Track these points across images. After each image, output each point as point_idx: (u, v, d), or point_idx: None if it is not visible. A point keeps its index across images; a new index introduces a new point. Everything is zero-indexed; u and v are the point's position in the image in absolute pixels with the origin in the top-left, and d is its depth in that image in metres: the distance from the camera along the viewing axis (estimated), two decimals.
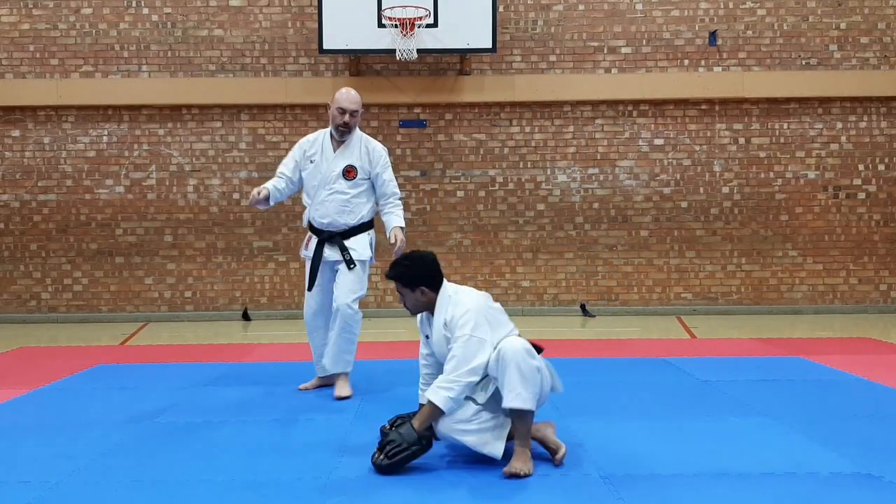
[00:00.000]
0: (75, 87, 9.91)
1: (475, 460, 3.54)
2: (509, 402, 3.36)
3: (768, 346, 7.02)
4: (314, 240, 4.90)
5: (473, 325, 3.44)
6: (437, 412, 3.40)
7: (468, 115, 10.14)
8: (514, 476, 3.31)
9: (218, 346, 7.66)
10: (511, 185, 10.12)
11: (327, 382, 5.06)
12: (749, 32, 10.07)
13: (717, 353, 6.66)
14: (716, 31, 10.02)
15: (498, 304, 3.68)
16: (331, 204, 4.85)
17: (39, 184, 10.07)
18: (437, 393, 3.40)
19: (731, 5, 10.05)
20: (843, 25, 10.05)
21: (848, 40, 10.05)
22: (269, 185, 4.94)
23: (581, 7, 10.06)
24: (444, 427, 3.44)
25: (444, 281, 3.68)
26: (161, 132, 10.08)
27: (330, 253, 4.86)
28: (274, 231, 10.11)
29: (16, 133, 10.06)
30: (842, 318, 9.64)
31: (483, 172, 10.15)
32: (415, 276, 3.65)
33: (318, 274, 4.88)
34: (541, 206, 10.10)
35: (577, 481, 3.26)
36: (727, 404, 4.58)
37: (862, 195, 10.14)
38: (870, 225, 10.16)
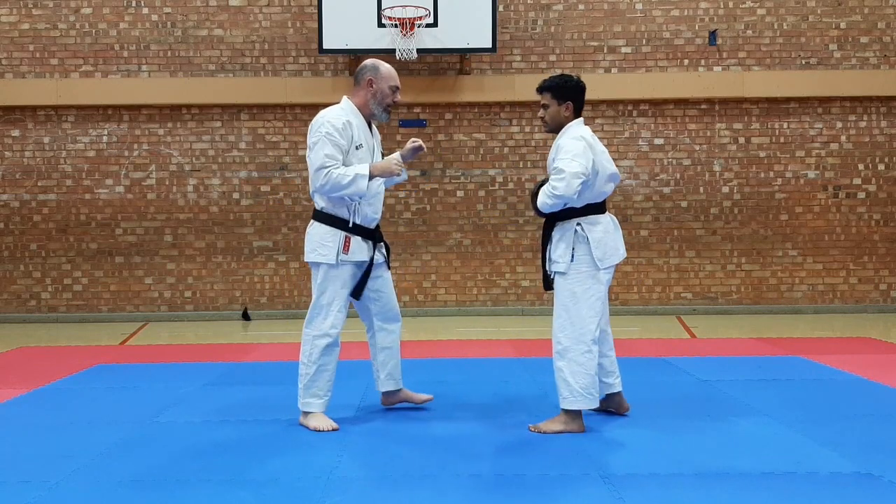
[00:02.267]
0: (75, 86, 9.91)
1: (473, 459, 3.55)
2: (561, 404, 3.98)
3: (768, 345, 7.02)
4: (358, 241, 4.13)
5: (574, 154, 3.87)
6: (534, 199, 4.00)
7: (468, 115, 10.14)
8: (536, 430, 3.98)
9: (218, 346, 7.66)
10: (511, 185, 10.11)
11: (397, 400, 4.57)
12: (749, 32, 10.07)
13: (717, 352, 6.66)
14: (716, 30, 10.02)
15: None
16: (381, 196, 4.27)
17: (39, 184, 10.07)
18: (543, 191, 3.92)
19: (731, 5, 10.05)
20: (843, 25, 10.05)
21: (848, 40, 10.05)
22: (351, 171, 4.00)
23: (581, 7, 10.06)
24: None
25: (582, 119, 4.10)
26: (161, 132, 10.08)
27: (378, 255, 4.25)
28: (274, 231, 10.11)
29: (16, 133, 10.06)
30: (842, 317, 9.64)
31: (483, 172, 10.15)
32: (568, 90, 4.03)
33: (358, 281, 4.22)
34: None
35: (577, 481, 3.26)
36: (727, 404, 4.59)
37: (862, 195, 10.14)
38: (870, 224, 10.16)
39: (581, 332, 3.89)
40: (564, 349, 3.91)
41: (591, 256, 3.92)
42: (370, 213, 4.19)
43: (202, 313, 10.07)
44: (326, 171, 3.97)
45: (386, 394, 4.52)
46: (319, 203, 4.16)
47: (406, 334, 8.21)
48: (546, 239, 4.08)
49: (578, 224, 3.96)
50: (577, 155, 3.87)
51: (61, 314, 10.08)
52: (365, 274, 4.22)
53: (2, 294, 10.09)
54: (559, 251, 3.97)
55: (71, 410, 4.66)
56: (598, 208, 4.01)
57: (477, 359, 6.39)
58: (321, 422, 4.11)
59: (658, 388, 5.07)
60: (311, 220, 4.21)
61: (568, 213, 3.99)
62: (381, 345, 4.43)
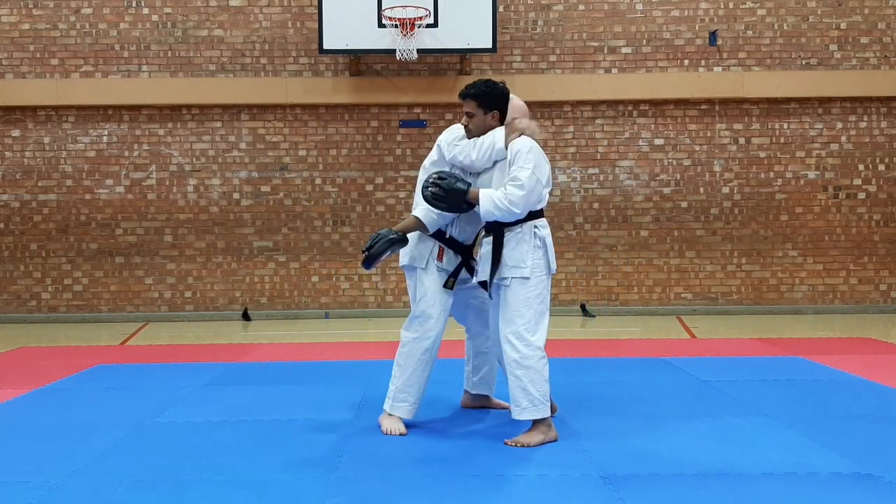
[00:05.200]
0: (75, 87, 9.91)
1: (474, 459, 3.55)
2: (517, 415, 3.81)
3: (768, 346, 7.02)
4: (451, 254, 4.10)
5: (535, 165, 3.73)
6: (478, 201, 3.74)
7: None
8: (516, 444, 3.74)
9: (218, 346, 7.66)
10: None
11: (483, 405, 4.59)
12: (749, 32, 10.07)
13: (717, 353, 6.67)
14: (716, 31, 10.02)
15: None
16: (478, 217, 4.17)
17: (39, 184, 10.06)
18: (489, 194, 3.72)
19: (731, 5, 10.05)
20: (843, 25, 10.05)
21: (848, 40, 10.05)
22: None
23: (581, 7, 10.06)
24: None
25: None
26: (161, 132, 10.08)
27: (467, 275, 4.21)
28: (274, 231, 10.10)
29: (16, 133, 10.06)
30: (842, 318, 9.63)
31: None
32: (494, 98, 3.87)
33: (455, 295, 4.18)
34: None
35: (577, 481, 3.26)
36: (727, 404, 4.59)
37: (862, 195, 10.14)
38: (870, 225, 10.16)
39: (535, 338, 3.76)
40: (523, 357, 3.74)
41: (546, 261, 3.81)
42: (469, 231, 4.14)
43: (202, 313, 10.07)
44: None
45: (474, 396, 4.51)
46: (426, 214, 4.02)
47: None
48: (498, 245, 3.81)
49: (535, 227, 3.82)
50: (538, 167, 3.75)
51: (62, 314, 10.08)
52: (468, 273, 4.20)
53: (2, 294, 10.08)
54: (517, 256, 3.77)
55: (71, 410, 4.66)
56: (542, 213, 3.91)
57: None
58: (394, 425, 4.06)
59: (658, 388, 5.07)
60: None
61: (525, 216, 3.81)
62: (479, 349, 4.44)
